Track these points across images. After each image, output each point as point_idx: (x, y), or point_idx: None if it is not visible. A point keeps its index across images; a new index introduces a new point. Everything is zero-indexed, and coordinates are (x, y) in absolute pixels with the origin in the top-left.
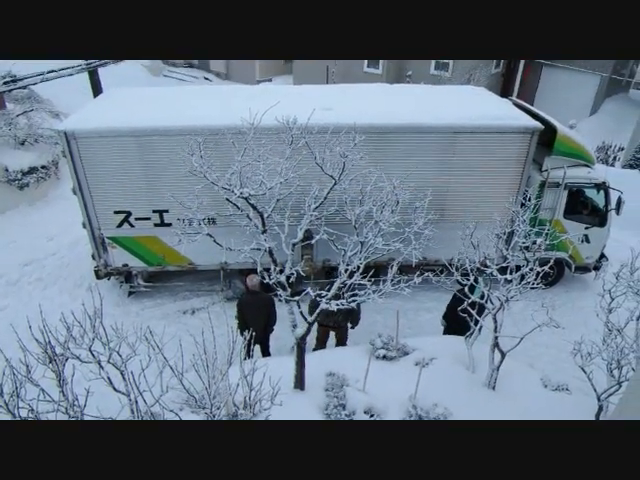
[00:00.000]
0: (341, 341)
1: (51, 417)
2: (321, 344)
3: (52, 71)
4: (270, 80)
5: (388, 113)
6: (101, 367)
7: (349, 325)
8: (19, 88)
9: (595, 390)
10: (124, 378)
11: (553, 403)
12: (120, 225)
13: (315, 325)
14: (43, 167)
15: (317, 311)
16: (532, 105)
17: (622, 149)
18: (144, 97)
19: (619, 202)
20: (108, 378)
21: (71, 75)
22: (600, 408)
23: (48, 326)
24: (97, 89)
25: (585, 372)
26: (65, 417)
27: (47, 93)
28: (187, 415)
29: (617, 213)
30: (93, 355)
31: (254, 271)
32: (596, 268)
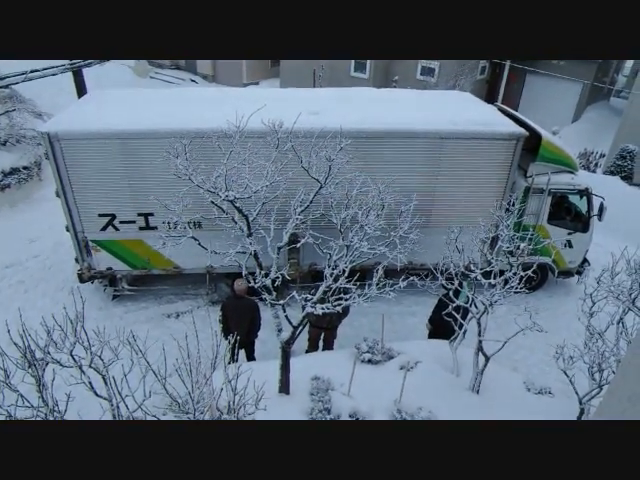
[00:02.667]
0: (329, 342)
1: None
2: (314, 345)
3: (35, 70)
4: (257, 83)
5: (374, 118)
6: (82, 372)
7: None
8: (0, 87)
9: (577, 393)
10: (106, 383)
11: (536, 406)
12: (104, 228)
13: (306, 327)
14: (25, 168)
15: (303, 314)
16: (516, 112)
17: (603, 156)
18: (129, 99)
19: (601, 208)
20: (90, 383)
21: (54, 75)
22: (582, 411)
23: (28, 330)
24: (81, 90)
25: (567, 375)
26: None
27: (30, 93)
28: (170, 420)
29: (599, 219)
30: (74, 359)
31: (240, 275)
32: (579, 273)
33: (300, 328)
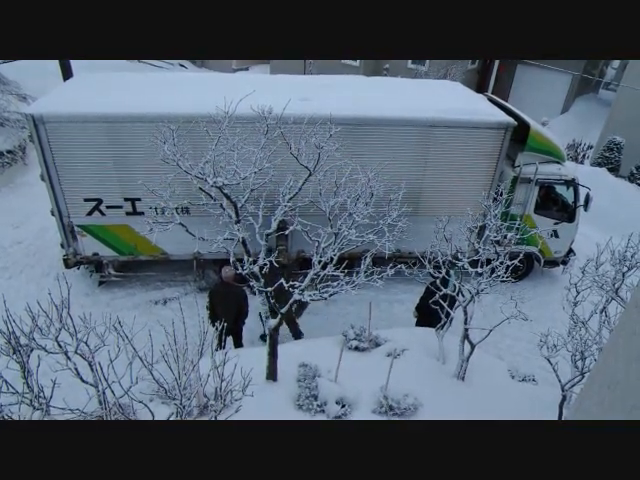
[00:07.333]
0: (292, 324)
1: (14, 409)
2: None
3: None
4: (247, 69)
5: (365, 105)
6: (68, 358)
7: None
8: None
9: (560, 380)
10: (92, 369)
11: (520, 393)
12: (90, 213)
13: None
14: (9, 152)
15: (290, 302)
16: (506, 102)
17: (591, 147)
18: (116, 82)
19: (587, 199)
20: (76, 369)
21: None
22: (564, 398)
23: (12, 316)
24: (67, 73)
25: (551, 363)
26: (30, 409)
27: (13, 75)
28: (157, 406)
29: (585, 209)
30: (60, 346)
31: (228, 262)
32: (564, 262)
33: (284, 314)
